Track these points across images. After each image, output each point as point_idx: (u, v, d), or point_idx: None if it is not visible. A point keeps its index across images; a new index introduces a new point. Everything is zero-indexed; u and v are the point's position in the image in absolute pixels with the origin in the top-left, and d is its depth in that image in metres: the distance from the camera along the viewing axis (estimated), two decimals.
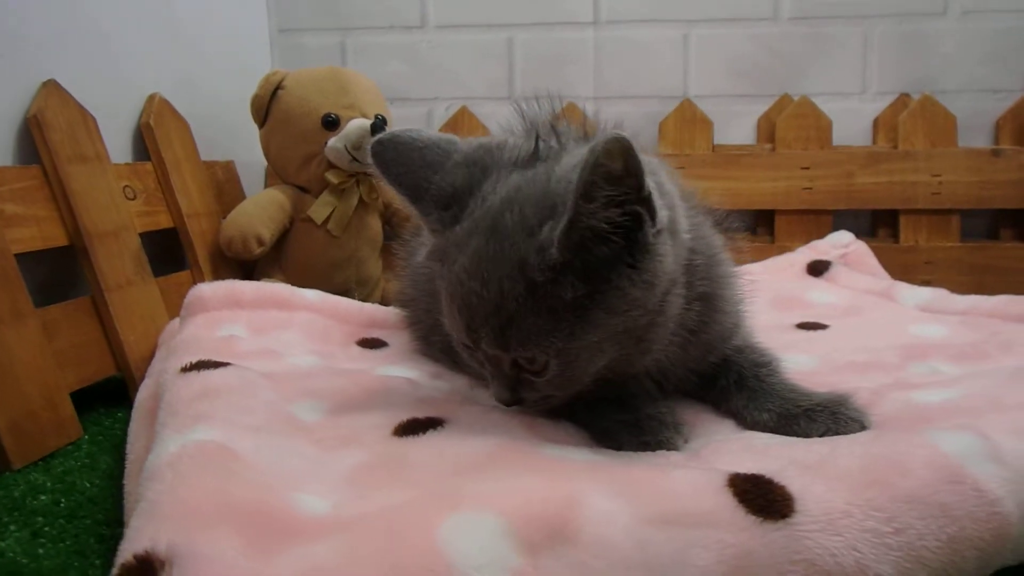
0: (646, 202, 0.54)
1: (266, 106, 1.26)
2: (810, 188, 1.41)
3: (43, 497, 0.73)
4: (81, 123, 1.01)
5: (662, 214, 0.56)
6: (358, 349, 0.97)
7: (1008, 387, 0.68)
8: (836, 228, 1.41)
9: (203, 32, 1.34)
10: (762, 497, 0.48)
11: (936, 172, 1.38)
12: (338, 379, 0.78)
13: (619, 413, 0.65)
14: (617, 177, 0.51)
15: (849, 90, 1.49)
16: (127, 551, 0.44)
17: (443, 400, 0.71)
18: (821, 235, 1.38)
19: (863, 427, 0.63)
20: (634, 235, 0.54)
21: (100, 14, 1.09)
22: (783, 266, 1.27)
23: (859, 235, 1.39)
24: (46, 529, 0.67)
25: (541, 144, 0.61)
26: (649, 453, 0.61)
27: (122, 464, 0.74)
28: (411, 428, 0.63)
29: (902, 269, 1.35)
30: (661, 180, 0.61)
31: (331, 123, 1.24)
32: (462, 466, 0.55)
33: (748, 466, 0.53)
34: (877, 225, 1.47)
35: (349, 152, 1.23)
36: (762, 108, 1.51)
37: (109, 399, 0.98)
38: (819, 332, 0.99)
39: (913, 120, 1.40)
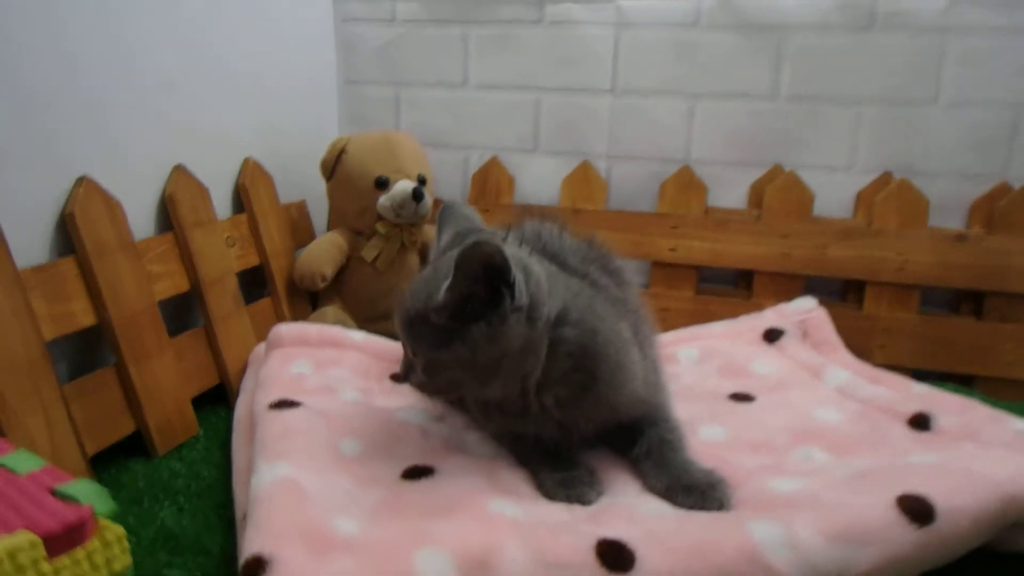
0: (510, 286, 0.80)
1: (332, 167, 1.58)
2: (788, 255, 1.62)
3: (179, 480, 1.09)
4: (200, 196, 1.34)
5: (522, 300, 0.81)
6: (389, 384, 1.29)
7: (838, 486, 0.81)
8: (809, 290, 1.58)
9: (283, 89, 1.60)
10: (614, 556, 0.76)
11: (902, 251, 1.55)
12: (374, 418, 1.11)
13: (554, 471, 0.95)
14: (475, 269, 0.79)
15: (837, 164, 1.67)
16: (248, 551, 0.77)
17: (440, 448, 1.03)
18: (793, 296, 1.57)
19: (722, 507, 0.81)
20: (497, 305, 0.80)
21: (207, 99, 1.38)
22: (743, 330, 1.42)
23: (829, 298, 1.55)
24: (186, 506, 1.02)
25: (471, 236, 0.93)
26: (567, 506, 0.91)
27: (228, 460, 1.09)
28: (413, 473, 0.96)
29: (861, 335, 1.52)
30: (532, 270, 0.85)
31: (382, 184, 1.55)
32: (437, 510, 0.87)
33: (619, 530, 0.80)
34: (847, 290, 1.67)
35: (394, 209, 1.54)
36: (755, 175, 1.71)
37: (216, 400, 1.28)
38: (744, 404, 1.12)
39: (888, 201, 1.58)
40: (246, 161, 1.50)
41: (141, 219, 1.25)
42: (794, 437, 1.04)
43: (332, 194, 1.62)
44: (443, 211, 1.05)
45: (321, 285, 1.55)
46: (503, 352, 0.83)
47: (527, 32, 1.75)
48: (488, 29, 1.76)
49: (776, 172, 1.68)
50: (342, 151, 1.57)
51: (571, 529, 0.83)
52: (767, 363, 1.36)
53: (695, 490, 0.85)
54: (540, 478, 0.95)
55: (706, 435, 1.05)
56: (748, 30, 1.65)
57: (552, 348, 0.86)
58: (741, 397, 1.20)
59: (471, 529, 0.80)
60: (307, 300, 1.62)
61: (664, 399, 1.03)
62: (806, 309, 1.53)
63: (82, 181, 1.09)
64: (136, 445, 1.15)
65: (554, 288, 0.86)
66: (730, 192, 1.73)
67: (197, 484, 1.08)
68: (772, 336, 1.45)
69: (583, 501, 0.89)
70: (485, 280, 0.80)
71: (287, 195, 1.65)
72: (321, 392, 1.19)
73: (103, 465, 1.06)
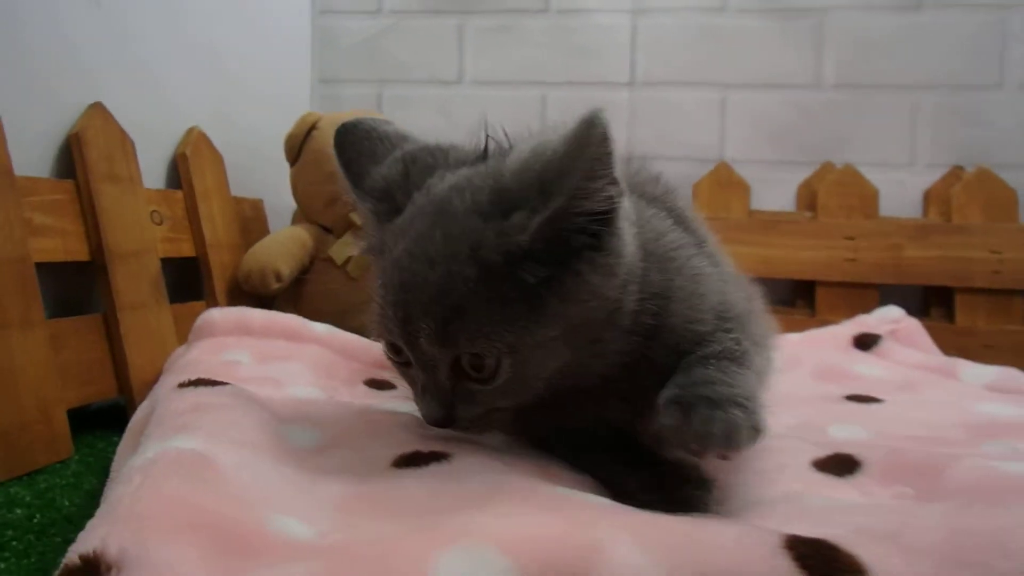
0: (618, 185, 0.50)
1: (299, 145, 1.27)
2: (854, 259, 1.35)
3: (19, 511, 0.69)
4: (119, 145, 1.02)
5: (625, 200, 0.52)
6: (364, 388, 0.92)
7: None
8: (883, 303, 1.33)
9: (246, 74, 1.37)
10: (827, 565, 0.41)
11: (995, 248, 1.30)
12: (339, 409, 0.74)
13: (630, 467, 0.59)
14: (605, 158, 0.47)
15: (896, 161, 1.45)
16: (74, 551, 0.40)
17: (451, 438, 0.65)
18: (866, 310, 1.30)
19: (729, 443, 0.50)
20: (608, 219, 0.50)
21: (148, 46, 1.12)
22: (825, 338, 1.19)
23: (909, 313, 1.31)
24: (13, 543, 0.62)
25: (491, 144, 0.58)
26: None
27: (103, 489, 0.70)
28: (413, 460, 0.58)
29: (959, 352, 1.25)
30: None
31: None
32: (466, 499, 0.49)
33: (805, 529, 0.45)
34: (929, 303, 1.39)
35: None
36: (802, 175, 1.47)
37: (107, 422, 0.95)
38: (872, 406, 0.90)
39: (968, 192, 1.34)
40: (191, 129, 1.21)
41: (34, 153, 0.92)
42: (974, 432, 0.80)
43: (297, 180, 1.30)
44: (346, 132, 0.65)
45: (274, 287, 1.20)
46: (623, 283, 0.53)
47: (532, 22, 1.54)
48: (488, 20, 1.55)
49: (827, 169, 1.44)
50: (312, 127, 1.27)
51: (723, 520, 0.49)
52: (873, 367, 1.10)
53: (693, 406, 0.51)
54: (619, 484, 0.59)
55: (841, 435, 0.80)
56: (783, 13, 1.46)
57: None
58: (862, 399, 0.95)
59: (540, 519, 0.45)
60: (256, 307, 1.25)
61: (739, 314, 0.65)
62: (893, 319, 1.24)
63: None
64: None
65: None
66: (774, 193, 1.47)
67: (45, 518, 0.68)
68: (866, 342, 1.18)
69: (697, 508, 0.57)
70: (601, 181, 0.48)
71: (242, 190, 1.33)
72: (261, 383, 0.81)
73: None
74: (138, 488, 0.45)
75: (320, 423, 0.68)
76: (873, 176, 1.42)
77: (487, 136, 0.59)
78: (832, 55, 1.46)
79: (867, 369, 1.07)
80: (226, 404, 0.65)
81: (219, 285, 1.19)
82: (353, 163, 0.62)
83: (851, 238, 1.36)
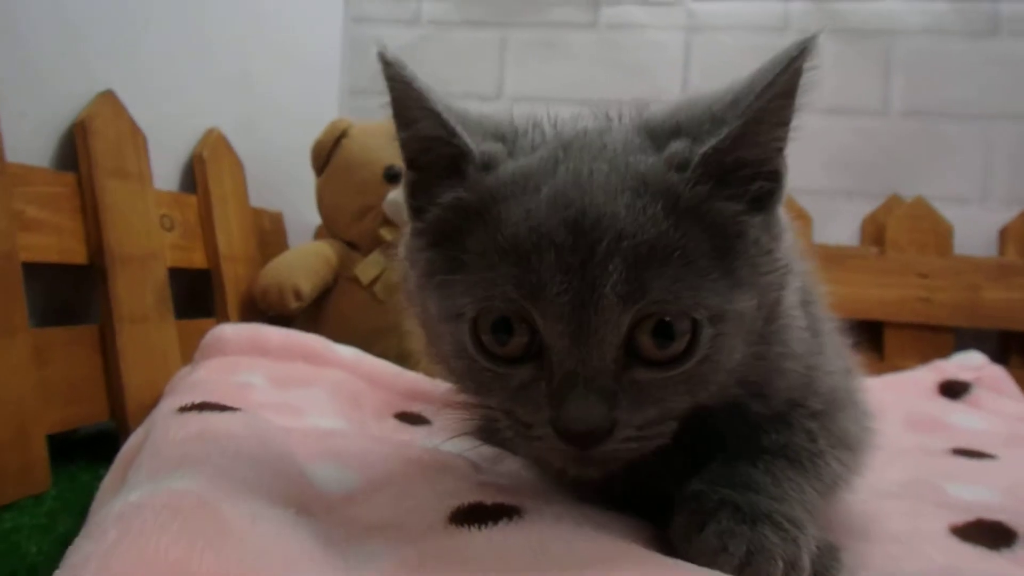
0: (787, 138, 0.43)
1: (327, 153, 1.17)
2: (928, 299, 1.23)
3: None
4: (130, 138, 0.92)
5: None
6: (394, 422, 0.80)
7: None
8: (957, 348, 1.21)
9: (272, 79, 1.28)
10: None
11: None
12: (373, 444, 0.61)
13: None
14: (793, 94, 0.41)
15: (968, 196, 1.34)
16: None
17: (515, 487, 0.53)
18: (940, 355, 1.17)
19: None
20: (777, 180, 0.43)
21: (164, 37, 1.03)
22: (907, 384, 1.07)
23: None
24: None
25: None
26: None
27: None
28: (474, 515, 0.45)
29: None
30: None
31: (393, 176, 1.14)
32: (560, 564, 0.36)
33: None
34: (1008, 349, 1.26)
35: None
36: (867, 207, 1.36)
37: (95, 451, 0.82)
38: (985, 462, 0.79)
39: None
40: (210, 131, 1.10)
41: (33, 141, 0.81)
42: None
43: (323, 190, 1.19)
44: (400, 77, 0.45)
45: (294, 306, 1.08)
46: (773, 294, 0.45)
47: (578, 36, 1.45)
48: (531, 32, 1.46)
49: (895, 203, 1.32)
50: (342, 134, 1.17)
51: None
52: (969, 417, 0.97)
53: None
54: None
55: (967, 496, 0.68)
56: (849, 35, 1.37)
57: None
58: (971, 453, 0.82)
59: None
60: None
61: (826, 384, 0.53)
62: (975, 366, 1.12)
63: None
64: None
65: None
66: (836, 225, 1.36)
67: (3, 568, 0.55)
68: (955, 390, 1.06)
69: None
70: (785, 112, 0.42)
71: (262, 201, 1.23)
72: (278, 410, 0.69)
73: None
74: (112, 547, 0.33)
75: (352, 461, 0.56)
76: (944, 211, 1.31)
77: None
78: (901, 80, 1.37)
79: (964, 420, 0.96)
80: (237, 433, 0.52)
81: (232, 301, 1.07)
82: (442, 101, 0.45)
83: (924, 276, 1.24)
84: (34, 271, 0.78)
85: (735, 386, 0.45)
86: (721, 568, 0.40)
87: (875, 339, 1.27)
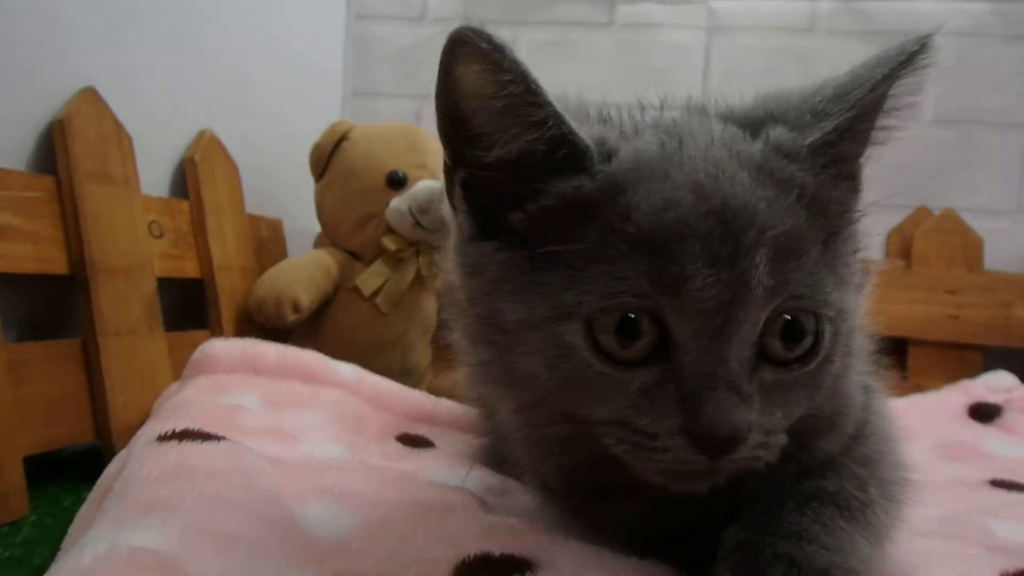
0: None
1: (327, 157, 1.12)
2: (957, 317, 1.17)
3: None
4: (114, 140, 0.86)
5: None
6: (397, 446, 0.74)
7: None
8: (986, 368, 1.15)
9: (271, 78, 1.23)
10: None
11: None
12: (371, 479, 0.55)
13: None
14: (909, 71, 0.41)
15: (1002, 208, 1.28)
16: None
17: (526, 530, 0.47)
18: (967, 374, 1.12)
19: None
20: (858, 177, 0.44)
21: (157, 32, 0.97)
22: (934, 407, 1.02)
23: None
24: None
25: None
26: None
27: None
28: (482, 570, 0.39)
29: None
30: None
31: (397, 182, 1.08)
32: None
33: None
34: None
35: (413, 215, 1.05)
36: (893, 219, 1.30)
37: (78, 472, 0.77)
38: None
39: None
40: (202, 133, 1.05)
41: (6, 142, 0.76)
42: None
43: (323, 197, 1.14)
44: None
45: (291, 319, 1.02)
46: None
47: (593, 36, 1.40)
48: (543, 32, 1.41)
49: (923, 215, 1.26)
50: (343, 137, 1.11)
51: None
52: (1004, 444, 0.91)
53: None
54: None
55: (1012, 535, 0.64)
56: (878, 36, 1.31)
57: None
58: (1011, 485, 0.77)
59: None
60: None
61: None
62: (1005, 387, 1.07)
63: None
64: None
65: None
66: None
67: None
68: (986, 414, 1.00)
69: None
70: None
71: (259, 208, 1.17)
72: (271, 435, 0.63)
73: None
74: None
75: (348, 500, 0.50)
76: (975, 224, 1.25)
77: None
78: (932, 86, 1.31)
79: (998, 447, 0.90)
80: (218, 470, 0.47)
81: (226, 313, 1.02)
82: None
83: (952, 292, 1.18)
84: (10, 281, 0.72)
85: (827, 402, 0.42)
86: None
87: (899, 357, 1.22)
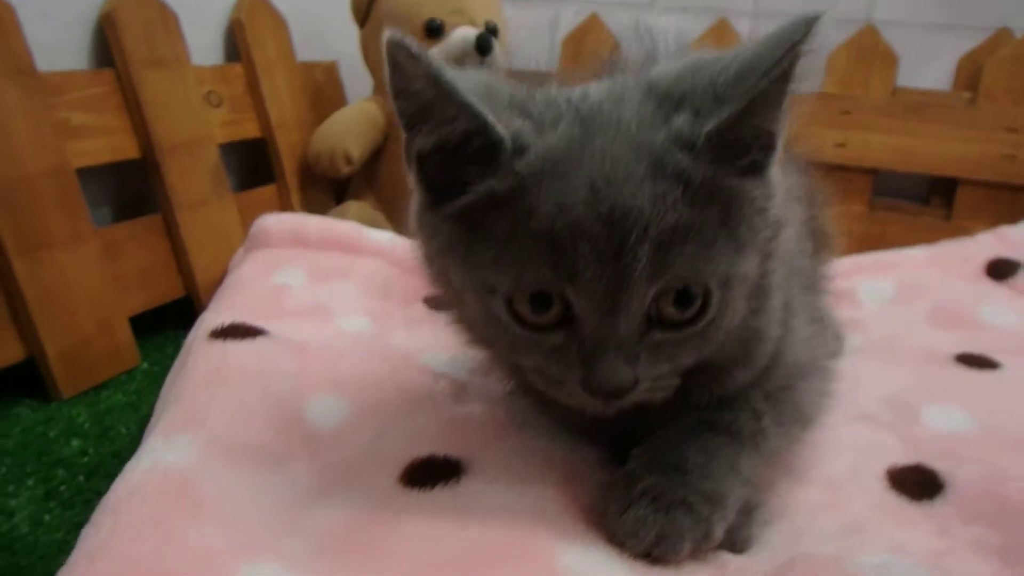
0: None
1: (367, 5, 1.13)
2: (1013, 157, 1.11)
3: (75, 442, 0.72)
4: (160, 22, 0.93)
5: None
6: (421, 308, 0.87)
7: None
8: None
9: None
10: None
11: None
12: (375, 366, 0.69)
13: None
14: (790, 78, 0.42)
15: None
16: None
17: (477, 424, 0.60)
18: (1014, 219, 1.08)
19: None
20: (772, 148, 0.45)
21: None
22: (956, 259, 1.00)
23: None
24: (61, 488, 0.65)
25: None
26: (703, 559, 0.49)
27: None
28: (423, 474, 0.53)
29: None
30: None
31: (435, 30, 1.10)
32: (455, 558, 0.45)
33: None
34: None
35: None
36: (967, 45, 1.19)
37: (178, 321, 0.93)
38: (984, 373, 0.75)
39: None
40: None
41: (64, 44, 0.85)
42: None
43: (367, 45, 1.18)
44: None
45: (345, 170, 1.13)
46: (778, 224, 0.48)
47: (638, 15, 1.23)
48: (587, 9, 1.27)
49: (1002, 39, 1.14)
50: None
51: None
52: (1001, 309, 0.91)
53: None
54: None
55: (938, 423, 0.67)
56: None
57: None
58: (976, 361, 0.78)
59: None
60: (329, 192, 1.21)
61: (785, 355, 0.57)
62: None
63: None
64: (32, 380, 0.78)
65: None
66: (930, 67, 1.20)
67: (100, 451, 0.70)
68: (1000, 270, 0.98)
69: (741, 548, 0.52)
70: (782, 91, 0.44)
71: (312, 53, 1.22)
72: (309, 315, 0.78)
73: None
74: (106, 540, 0.42)
75: (350, 389, 0.64)
76: None
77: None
78: None
79: (995, 313, 0.89)
80: (249, 371, 0.62)
81: (289, 167, 1.13)
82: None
83: (1014, 130, 1.11)
84: (91, 174, 0.85)
85: (731, 344, 0.50)
86: (632, 550, 0.48)
87: (947, 196, 1.18)
